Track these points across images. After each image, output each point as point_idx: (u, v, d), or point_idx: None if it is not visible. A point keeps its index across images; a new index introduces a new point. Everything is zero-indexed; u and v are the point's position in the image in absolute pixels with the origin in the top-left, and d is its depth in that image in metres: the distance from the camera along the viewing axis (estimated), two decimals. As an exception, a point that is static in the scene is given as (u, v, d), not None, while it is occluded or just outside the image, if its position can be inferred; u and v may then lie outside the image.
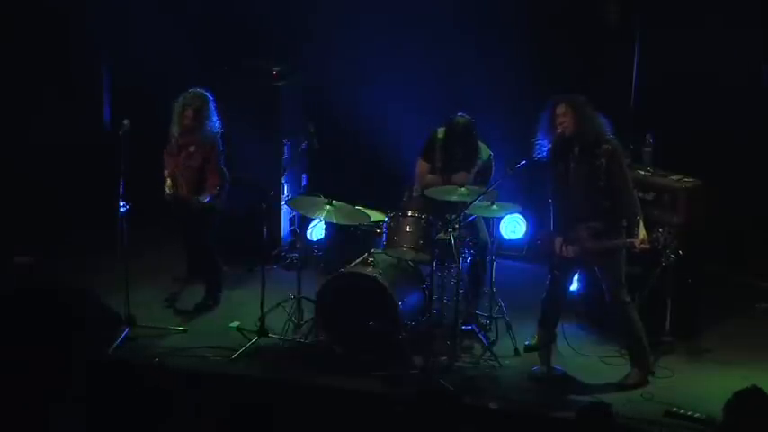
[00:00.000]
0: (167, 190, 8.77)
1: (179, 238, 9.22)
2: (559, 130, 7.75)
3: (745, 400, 5.49)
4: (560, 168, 7.82)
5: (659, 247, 7.73)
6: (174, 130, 8.83)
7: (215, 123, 8.82)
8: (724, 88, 9.37)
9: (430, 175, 8.67)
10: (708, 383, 7.83)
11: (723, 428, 5.52)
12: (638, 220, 7.71)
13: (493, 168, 8.58)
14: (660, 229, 7.74)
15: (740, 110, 9.40)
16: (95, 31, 10.59)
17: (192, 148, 8.83)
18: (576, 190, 7.76)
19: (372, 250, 8.46)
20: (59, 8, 10.44)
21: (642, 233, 7.67)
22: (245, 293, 9.23)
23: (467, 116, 8.54)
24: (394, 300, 8.11)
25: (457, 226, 8.01)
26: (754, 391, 5.53)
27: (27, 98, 10.45)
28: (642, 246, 7.66)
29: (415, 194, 8.73)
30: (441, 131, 8.64)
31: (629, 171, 8.00)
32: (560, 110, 7.74)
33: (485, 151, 8.60)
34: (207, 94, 8.81)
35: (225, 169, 8.94)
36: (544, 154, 7.83)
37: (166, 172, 8.86)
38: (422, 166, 8.75)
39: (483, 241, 8.57)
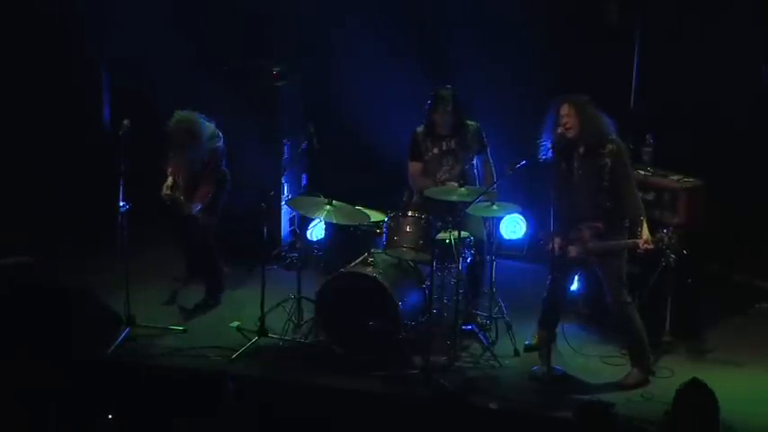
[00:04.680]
0: (165, 190, 8.75)
1: (177, 239, 9.20)
2: (561, 131, 7.75)
3: (687, 394, 5.86)
4: (563, 168, 7.81)
5: (663, 247, 7.71)
6: (171, 155, 8.81)
7: (207, 139, 8.77)
8: (724, 88, 9.36)
9: (423, 177, 8.69)
10: (708, 383, 7.80)
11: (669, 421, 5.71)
12: (642, 220, 7.71)
13: (484, 134, 8.67)
14: (664, 230, 7.71)
15: (740, 110, 9.39)
16: (95, 32, 10.58)
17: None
18: (579, 190, 7.76)
19: (372, 250, 8.46)
20: (60, 8, 10.44)
21: (645, 233, 7.67)
22: (245, 293, 9.23)
23: (448, 87, 8.63)
24: (394, 300, 8.10)
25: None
26: (694, 383, 5.93)
27: (27, 98, 10.45)
28: (646, 246, 7.65)
29: (415, 199, 8.74)
30: (420, 128, 8.72)
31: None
32: (564, 110, 7.74)
33: (470, 122, 8.67)
34: (190, 114, 8.74)
35: (226, 170, 8.95)
36: (549, 155, 7.82)
37: (169, 170, 8.85)
38: (413, 167, 8.78)
39: (479, 239, 8.56)
